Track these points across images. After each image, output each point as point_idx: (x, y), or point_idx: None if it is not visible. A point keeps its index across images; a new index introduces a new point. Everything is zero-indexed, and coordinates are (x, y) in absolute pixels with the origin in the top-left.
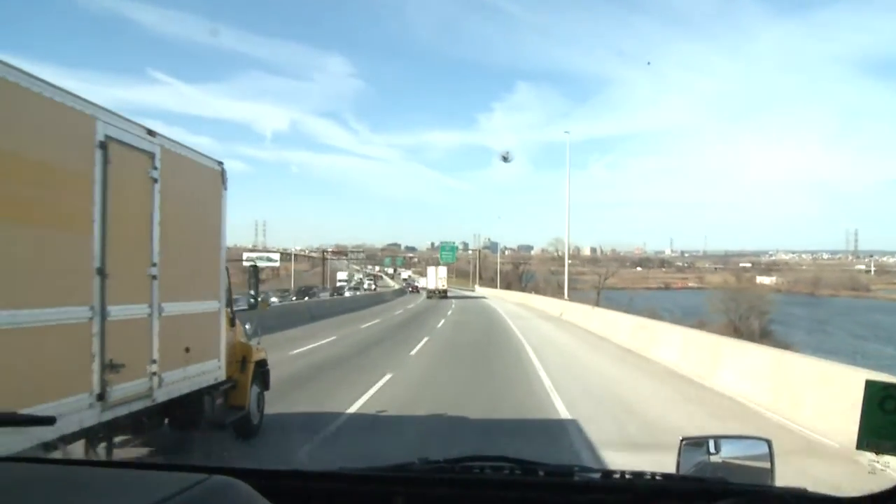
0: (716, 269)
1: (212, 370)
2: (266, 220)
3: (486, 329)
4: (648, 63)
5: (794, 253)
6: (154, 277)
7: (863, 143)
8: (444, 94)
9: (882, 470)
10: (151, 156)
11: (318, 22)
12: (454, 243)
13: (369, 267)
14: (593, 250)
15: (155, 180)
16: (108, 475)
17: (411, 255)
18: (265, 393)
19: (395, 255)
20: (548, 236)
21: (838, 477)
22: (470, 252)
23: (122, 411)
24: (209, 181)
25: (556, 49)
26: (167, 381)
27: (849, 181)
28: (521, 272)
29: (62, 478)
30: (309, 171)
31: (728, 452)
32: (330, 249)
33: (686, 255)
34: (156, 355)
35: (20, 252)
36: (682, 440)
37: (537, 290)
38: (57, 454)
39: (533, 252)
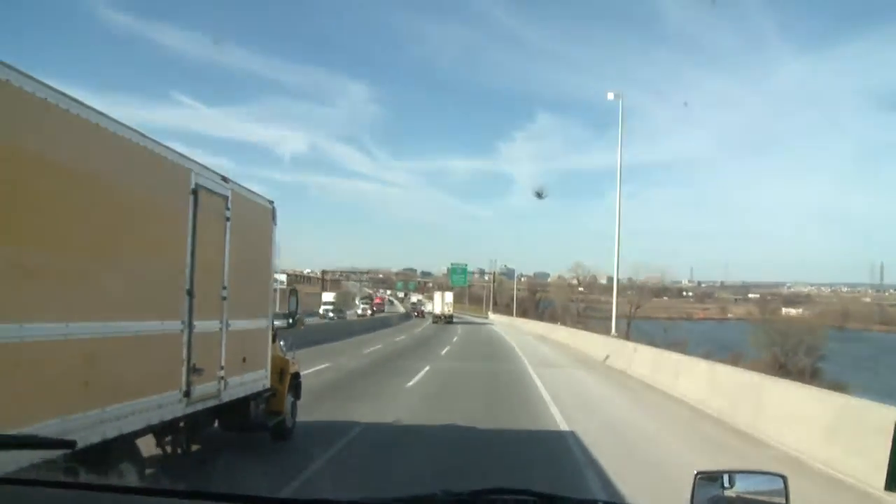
0: (736, 299)
1: (260, 378)
2: (283, 241)
3: (491, 393)
4: (685, 104)
5: (812, 285)
6: (224, 298)
7: (885, 176)
8: (464, 121)
9: None
10: (225, 198)
11: (340, 48)
12: (466, 265)
13: (381, 290)
14: (610, 279)
15: (227, 218)
16: (128, 502)
17: (427, 280)
18: (297, 402)
19: (409, 280)
20: (565, 265)
21: None
22: (486, 277)
23: (199, 407)
24: (263, 217)
25: (577, 79)
26: (230, 385)
27: (869, 215)
28: (537, 299)
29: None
30: (328, 195)
31: (742, 487)
32: (342, 272)
33: (703, 285)
34: (223, 363)
35: (142, 277)
36: (696, 474)
37: (555, 319)
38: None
39: (549, 279)
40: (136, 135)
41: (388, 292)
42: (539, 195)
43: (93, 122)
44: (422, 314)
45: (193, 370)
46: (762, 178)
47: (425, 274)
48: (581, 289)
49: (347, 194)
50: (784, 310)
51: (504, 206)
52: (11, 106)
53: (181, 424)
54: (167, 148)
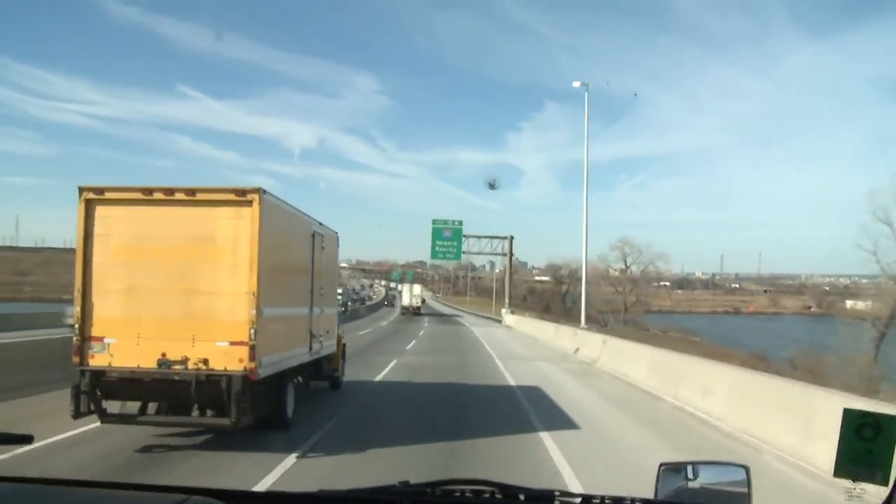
0: (765, 291)
1: (332, 345)
2: None
3: None
4: (635, 94)
5: (829, 276)
6: (322, 294)
7: None
8: (472, 112)
9: (858, 496)
10: (322, 236)
11: (345, 39)
12: (458, 224)
13: (383, 282)
14: (622, 271)
15: (323, 248)
16: (85, 495)
17: (436, 272)
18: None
19: (406, 270)
20: (574, 257)
21: None
22: (496, 269)
23: (312, 358)
24: (333, 242)
25: (585, 69)
26: (323, 347)
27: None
28: (564, 291)
29: (39, 498)
30: (336, 188)
31: (706, 478)
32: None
33: (717, 277)
34: (321, 333)
35: (298, 286)
36: (660, 466)
37: (590, 318)
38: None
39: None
40: (298, 211)
41: (383, 283)
42: (491, 186)
43: (290, 210)
44: (391, 304)
45: (311, 335)
46: (772, 168)
47: (435, 267)
48: (594, 282)
49: (356, 187)
50: (849, 303)
51: (514, 199)
52: (278, 216)
53: (304, 368)
54: (304, 213)
